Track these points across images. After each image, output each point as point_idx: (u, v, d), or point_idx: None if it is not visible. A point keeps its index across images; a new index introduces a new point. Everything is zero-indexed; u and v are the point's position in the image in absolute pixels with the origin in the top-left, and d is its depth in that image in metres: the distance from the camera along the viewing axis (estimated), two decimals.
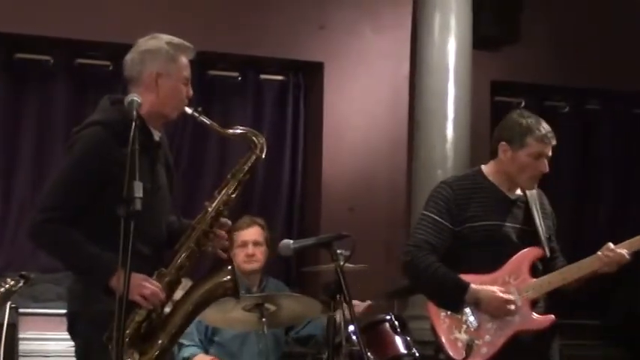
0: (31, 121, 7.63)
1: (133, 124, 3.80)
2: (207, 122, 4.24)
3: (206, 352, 6.06)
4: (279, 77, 8.25)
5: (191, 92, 4.25)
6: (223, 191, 4.22)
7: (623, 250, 4.75)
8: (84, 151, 4.08)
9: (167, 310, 4.13)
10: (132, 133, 3.76)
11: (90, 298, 4.06)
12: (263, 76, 8.20)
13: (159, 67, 4.18)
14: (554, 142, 4.84)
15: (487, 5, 8.19)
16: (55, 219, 4.02)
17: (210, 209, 4.19)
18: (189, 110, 4.23)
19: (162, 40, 4.23)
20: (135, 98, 3.93)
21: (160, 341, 4.07)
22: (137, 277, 3.93)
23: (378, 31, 8.26)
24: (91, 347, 4.05)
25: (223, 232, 4.24)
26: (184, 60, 4.23)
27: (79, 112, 7.44)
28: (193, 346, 6.02)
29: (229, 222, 4.27)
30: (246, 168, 4.25)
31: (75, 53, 7.72)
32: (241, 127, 4.35)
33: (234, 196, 4.22)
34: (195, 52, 4.29)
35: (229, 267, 4.22)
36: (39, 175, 7.42)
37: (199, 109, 4.24)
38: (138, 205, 3.66)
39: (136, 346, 4.01)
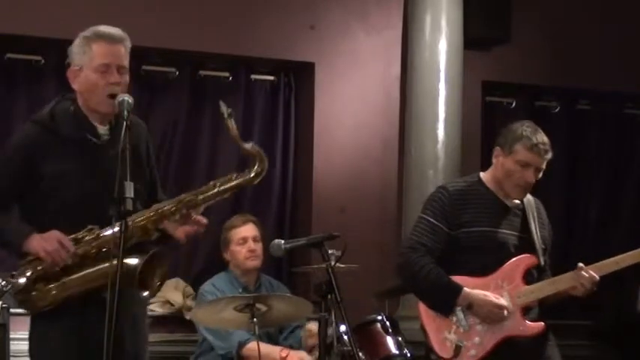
0: (21, 121, 7.58)
1: (125, 123, 3.79)
2: (231, 127, 4.12)
3: None
4: (270, 77, 8.23)
5: (116, 77, 4.05)
6: (202, 191, 4.15)
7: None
8: (12, 143, 4.18)
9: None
10: (122, 133, 3.74)
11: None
12: (254, 77, 8.18)
13: (76, 62, 4.15)
14: (546, 156, 4.81)
15: (478, 5, 8.18)
16: None
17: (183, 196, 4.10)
18: (223, 107, 4.08)
19: (81, 34, 4.16)
20: (126, 98, 3.91)
21: (52, 291, 4.00)
22: (51, 233, 3.93)
23: (369, 32, 8.26)
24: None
25: (200, 218, 4.15)
26: (96, 48, 4.08)
27: None
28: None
29: (204, 219, 4.19)
30: (232, 185, 4.23)
31: (65, 53, 7.65)
32: (257, 146, 4.26)
33: (202, 198, 4.13)
34: (120, 36, 4.11)
35: (147, 256, 3.97)
36: None
37: (230, 110, 4.10)
38: (129, 205, 3.66)
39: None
